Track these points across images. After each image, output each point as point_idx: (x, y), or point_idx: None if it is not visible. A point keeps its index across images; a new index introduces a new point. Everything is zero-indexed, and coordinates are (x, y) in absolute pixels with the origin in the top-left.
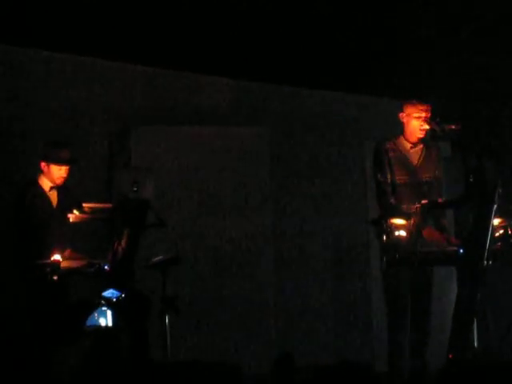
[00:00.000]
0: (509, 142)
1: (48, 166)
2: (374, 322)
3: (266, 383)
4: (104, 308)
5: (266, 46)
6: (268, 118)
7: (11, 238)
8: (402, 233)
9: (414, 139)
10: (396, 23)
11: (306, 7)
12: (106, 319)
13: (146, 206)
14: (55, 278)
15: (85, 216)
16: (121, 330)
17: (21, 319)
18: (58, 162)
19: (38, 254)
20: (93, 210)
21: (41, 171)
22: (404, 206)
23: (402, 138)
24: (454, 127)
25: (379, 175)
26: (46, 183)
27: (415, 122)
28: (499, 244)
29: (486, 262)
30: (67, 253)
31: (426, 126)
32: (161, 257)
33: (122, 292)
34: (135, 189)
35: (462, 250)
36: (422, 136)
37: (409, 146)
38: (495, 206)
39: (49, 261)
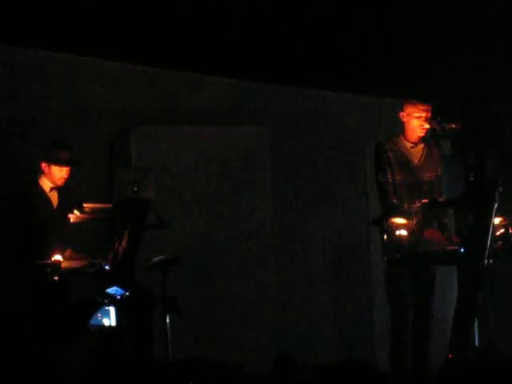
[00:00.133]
0: (509, 142)
1: (49, 166)
2: (376, 321)
3: (267, 383)
4: (107, 307)
5: (267, 46)
6: (268, 118)
7: (12, 238)
8: (403, 232)
9: (414, 139)
10: (396, 23)
11: (306, 7)
12: (109, 318)
13: (146, 206)
14: (56, 278)
15: (85, 216)
16: (124, 329)
17: (21, 319)
18: (59, 162)
19: (38, 255)
20: (93, 211)
21: (41, 172)
22: (405, 206)
23: (402, 137)
24: (454, 126)
25: (380, 175)
26: (46, 184)
27: (415, 122)
28: (500, 243)
29: (486, 261)
30: (68, 253)
31: (427, 126)
32: (161, 257)
33: (125, 290)
34: (136, 189)
35: (462, 249)
36: (422, 135)
37: (409, 145)
38: (496, 205)
39: (49, 261)
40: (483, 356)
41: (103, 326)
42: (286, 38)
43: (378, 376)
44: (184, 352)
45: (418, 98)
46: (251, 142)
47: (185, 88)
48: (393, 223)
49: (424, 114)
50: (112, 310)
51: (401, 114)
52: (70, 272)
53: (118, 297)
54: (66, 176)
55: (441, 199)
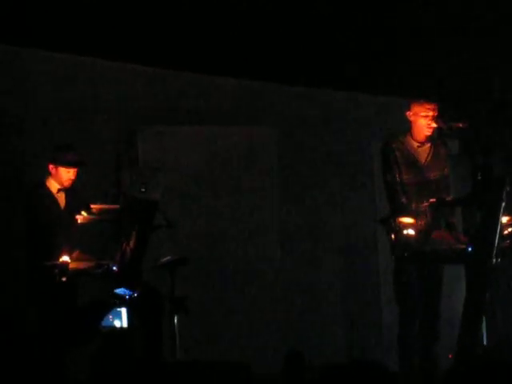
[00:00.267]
0: (509, 142)
1: (56, 168)
2: (384, 321)
3: (276, 382)
4: (119, 309)
5: (267, 46)
6: (268, 118)
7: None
8: (411, 231)
9: (421, 138)
10: (396, 23)
11: (306, 7)
12: (121, 320)
13: (154, 207)
14: (64, 279)
15: (93, 217)
16: (135, 329)
17: (29, 320)
18: (66, 164)
19: (46, 256)
20: (100, 212)
21: (49, 173)
22: (413, 205)
23: (409, 136)
24: (461, 125)
25: (388, 175)
26: (53, 185)
27: (422, 121)
28: (507, 242)
29: (494, 260)
30: (75, 254)
31: (434, 125)
32: (169, 257)
33: (133, 292)
34: (143, 189)
35: (470, 248)
36: (429, 134)
37: (416, 144)
38: (503, 204)
39: (57, 262)
40: (492, 355)
41: (115, 328)
42: (287, 38)
43: (389, 376)
44: (192, 352)
45: (419, 97)
46: (256, 141)
47: (186, 88)
48: (400, 222)
49: (431, 113)
50: (124, 311)
51: (407, 113)
52: (78, 273)
53: (127, 297)
54: (73, 177)
55: (448, 198)
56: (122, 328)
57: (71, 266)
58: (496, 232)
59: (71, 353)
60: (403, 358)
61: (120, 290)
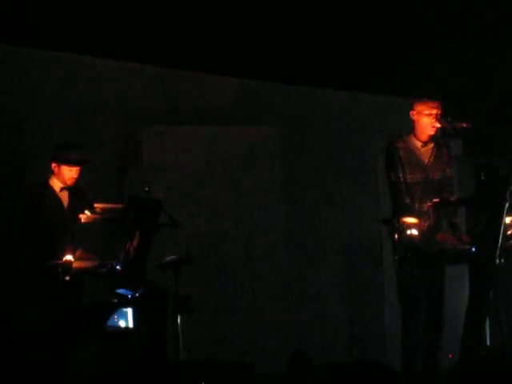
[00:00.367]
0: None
1: (59, 166)
2: (387, 321)
3: (277, 382)
4: (125, 309)
5: (268, 46)
6: (268, 118)
7: (22, 239)
8: (414, 232)
9: (424, 137)
10: (396, 23)
11: (306, 7)
12: (126, 320)
13: (158, 206)
14: (67, 278)
15: (96, 216)
16: (138, 329)
17: (29, 320)
18: (69, 163)
19: (49, 255)
20: (104, 211)
21: (51, 172)
22: (416, 205)
23: (412, 136)
24: (465, 125)
25: (392, 175)
26: (56, 184)
27: (426, 120)
28: (511, 242)
29: (498, 260)
30: (79, 253)
31: (437, 124)
32: (173, 256)
33: (134, 292)
34: (147, 189)
35: (474, 249)
36: (432, 133)
37: (419, 144)
38: (507, 204)
39: (61, 261)
40: (495, 356)
41: (117, 328)
42: (287, 38)
43: (392, 376)
44: (196, 352)
45: (420, 97)
46: (257, 142)
47: (187, 88)
48: (404, 222)
49: (434, 111)
50: (129, 311)
51: (411, 112)
52: (82, 272)
53: (129, 296)
54: (75, 176)
55: (452, 198)
56: (123, 328)
57: (75, 265)
58: (500, 232)
59: (72, 353)
60: (406, 359)
61: (121, 291)
